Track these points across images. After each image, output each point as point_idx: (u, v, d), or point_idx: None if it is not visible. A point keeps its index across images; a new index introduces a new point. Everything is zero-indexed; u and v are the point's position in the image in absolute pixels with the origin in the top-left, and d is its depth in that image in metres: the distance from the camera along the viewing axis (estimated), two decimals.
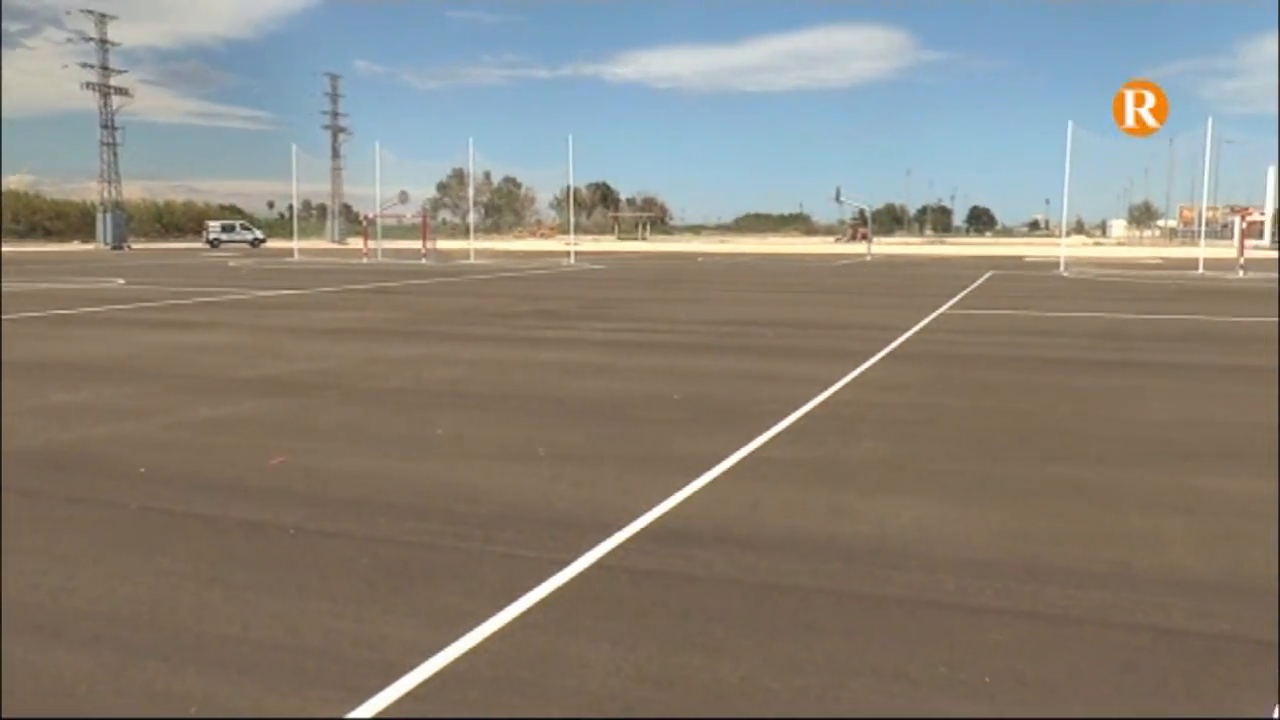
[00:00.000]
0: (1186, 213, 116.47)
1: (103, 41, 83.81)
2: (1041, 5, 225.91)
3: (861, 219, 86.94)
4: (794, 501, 6.29)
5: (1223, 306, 22.87)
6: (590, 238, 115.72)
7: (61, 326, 17.39)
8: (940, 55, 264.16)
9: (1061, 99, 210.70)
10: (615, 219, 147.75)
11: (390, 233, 63.33)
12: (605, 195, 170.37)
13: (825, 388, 10.49)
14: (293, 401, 9.88)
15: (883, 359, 13.10)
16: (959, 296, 25.33)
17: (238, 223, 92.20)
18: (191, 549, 5.33)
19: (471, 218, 73.22)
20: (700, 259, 57.90)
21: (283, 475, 6.91)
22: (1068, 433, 8.49)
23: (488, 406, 9.74)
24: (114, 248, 76.38)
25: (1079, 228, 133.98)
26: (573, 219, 63.92)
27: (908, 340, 15.43)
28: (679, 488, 6.46)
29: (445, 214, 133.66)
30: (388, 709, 3.55)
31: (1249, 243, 43.70)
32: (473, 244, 58.15)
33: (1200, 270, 39.18)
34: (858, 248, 76.79)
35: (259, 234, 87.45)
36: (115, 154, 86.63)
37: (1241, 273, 36.86)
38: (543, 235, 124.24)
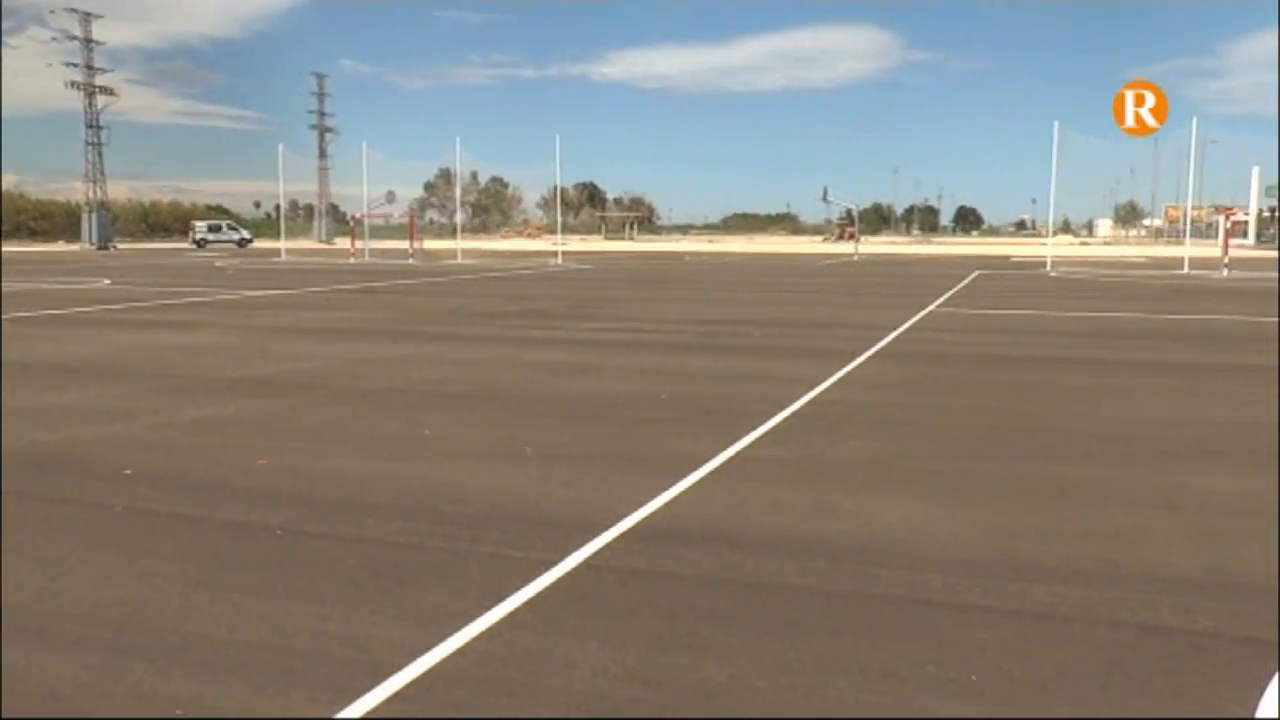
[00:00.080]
0: (1172, 212, 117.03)
1: (87, 40, 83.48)
2: (1028, 6, 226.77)
3: (849, 219, 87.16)
4: (781, 500, 6.30)
5: (1208, 305, 22.98)
6: (578, 237, 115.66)
7: (47, 327, 17.31)
8: (927, 55, 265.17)
9: (1048, 99, 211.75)
10: (602, 219, 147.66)
11: (377, 233, 63.18)
12: (593, 195, 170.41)
13: (812, 387, 10.51)
14: (280, 402, 9.85)
15: (870, 358, 13.12)
16: (946, 296, 25.40)
17: (224, 223, 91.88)
18: (178, 550, 5.32)
19: (459, 218, 72.99)
20: (688, 259, 57.92)
21: (270, 476, 6.89)
22: (1054, 431, 8.52)
23: (475, 406, 9.72)
24: (99, 248, 76.04)
25: (1065, 227, 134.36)
26: (560, 219, 63.84)
27: (895, 339, 15.46)
28: (666, 487, 6.46)
29: (432, 214, 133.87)
30: (375, 709, 3.55)
31: (1233, 242, 43.94)
32: (460, 244, 58.03)
33: (1186, 269, 39.37)
34: (845, 247, 76.91)
35: (246, 234, 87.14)
36: (100, 154, 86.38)
37: (1226, 271, 37.06)
38: (530, 235, 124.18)
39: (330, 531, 5.64)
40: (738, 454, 7.52)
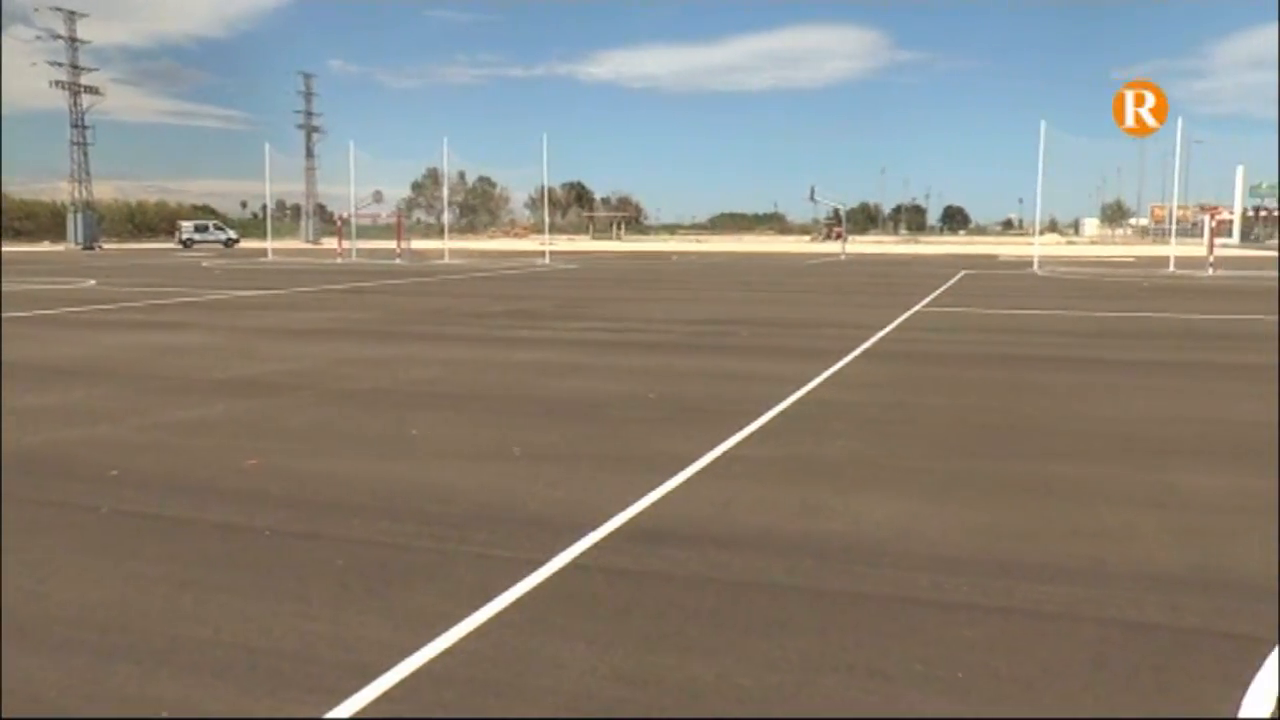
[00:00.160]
0: (1158, 211, 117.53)
1: (72, 39, 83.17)
2: (1014, 6, 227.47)
3: (836, 218, 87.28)
4: (768, 500, 6.31)
5: (1195, 304, 23.09)
6: (565, 237, 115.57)
7: (31, 327, 17.23)
8: (914, 55, 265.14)
9: (1035, 99, 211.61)
10: (590, 219, 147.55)
11: (365, 233, 63.09)
12: (580, 195, 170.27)
13: (799, 386, 10.53)
14: (267, 403, 9.83)
15: (857, 357, 13.15)
16: (933, 295, 25.45)
17: (211, 223, 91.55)
18: (164, 552, 5.30)
19: (446, 217, 72.89)
20: (675, 258, 57.94)
21: (257, 477, 6.87)
22: (1041, 429, 8.55)
23: (463, 407, 9.72)
24: (85, 248, 75.75)
25: (1052, 226, 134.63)
26: (547, 219, 63.80)
27: (882, 339, 15.50)
28: (654, 487, 6.47)
29: (420, 214, 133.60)
30: (363, 710, 3.54)
31: (1218, 241, 44.15)
32: (447, 244, 57.96)
33: (1171, 268, 39.54)
34: (832, 247, 77.04)
35: (233, 234, 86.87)
36: (86, 153, 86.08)
37: (1211, 270, 37.25)
38: (517, 235, 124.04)
39: (318, 532, 5.63)
40: (725, 453, 7.53)
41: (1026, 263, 45.09)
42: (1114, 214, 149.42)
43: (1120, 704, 3.60)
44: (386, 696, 3.64)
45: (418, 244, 64.62)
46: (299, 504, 6.20)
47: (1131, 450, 7.79)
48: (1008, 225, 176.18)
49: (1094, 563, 5.11)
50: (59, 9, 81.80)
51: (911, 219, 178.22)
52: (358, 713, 3.53)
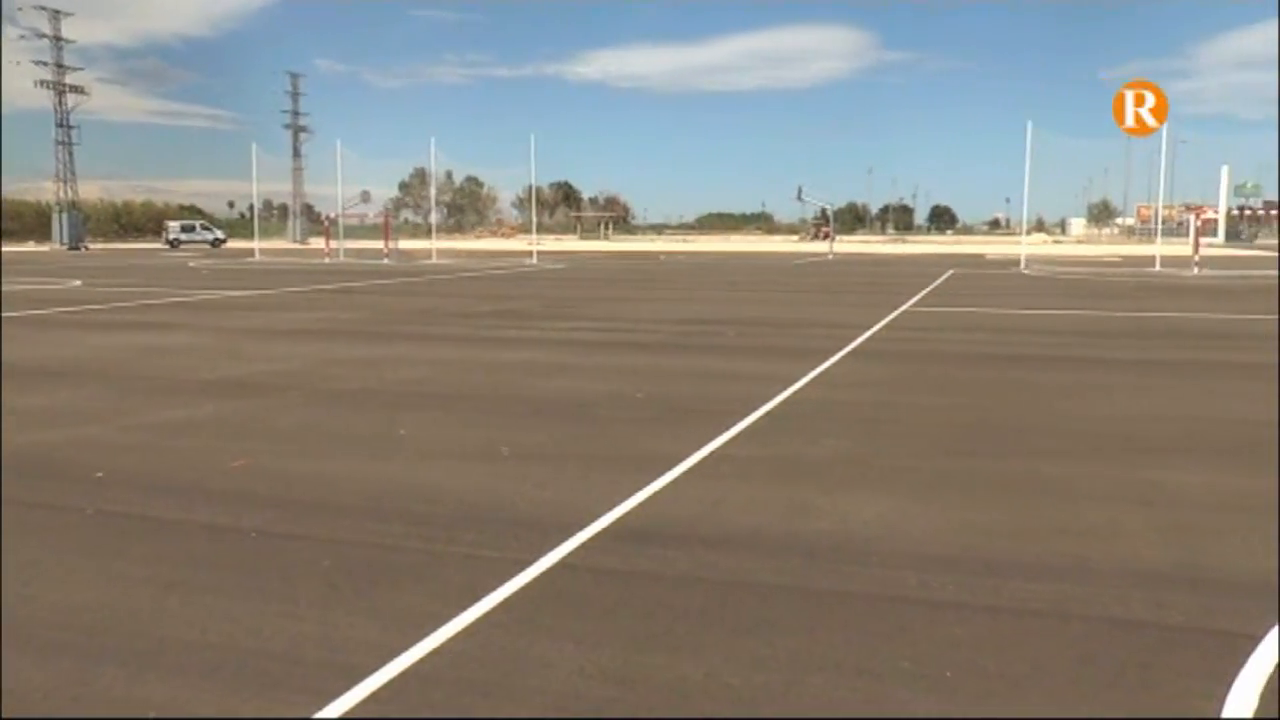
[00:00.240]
0: (1144, 211, 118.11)
1: (57, 38, 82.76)
2: (1001, 7, 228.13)
3: (824, 218, 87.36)
4: (756, 499, 6.31)
5: (1181, 303, 23.18)
6: (553, 237, 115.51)
7: (17, 328, 17.13)
8: (902, 55, 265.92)
9: (1022, 99, 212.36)
10: (578, 218, 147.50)
11: (352, 233, 62.93)
12: (568, 195, 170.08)
13: (787, 386, 10.54)
14: (254, 403, 9.80)
15: (844, 357, 13.17)
16: (920, 294, 25.51)
17: (198, 223, 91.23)
18: (151, 553, 5.28)
19: (434, 217, 72.88)
20: (663, 258, 57.95)
21: (244, 478, 6.85)
22: (1028, 428, 8.58)
23: (450, 407, 9.70)
24: (71, 248, 75.42)
25: (1039, 226, 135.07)
26: (535, 218, 63.81)
27: (870, 338, 15.53)
28: (642, 486, 6.47)
29: (407, 214, 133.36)
30: (351, 711, 3.54)
31: (1203, 240, 44.33)
32: (435, 244, 57.90)
33: (1157, 267, 39.71)
34: (820, 246, 77.14)
35: (219, 234, 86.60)
36: (71, 153, 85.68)
37: (1197, 269, 37.43)
38: (504, 235, 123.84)
39: (305, 533, 5.62)
40: (713, 453, 7.53)
41: (1014, 262, 45.24)
42: (1100, 214, 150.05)
43: (1107, 701, 3.61)
44: (374, 697, 3.64)
45: (405, 244, 64.47)
46: (286, 505, 6.19)
47: (1118, 448, 7.82)
48: (995, 225, 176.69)
49: (1080, 561, 5.13)
50: (44, 8, 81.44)
51: (899, 218, 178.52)
52: (345, 713, 3.52)
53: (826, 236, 75.21)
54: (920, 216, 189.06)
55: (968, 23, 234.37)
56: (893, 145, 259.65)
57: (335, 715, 3.51)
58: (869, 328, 16.85)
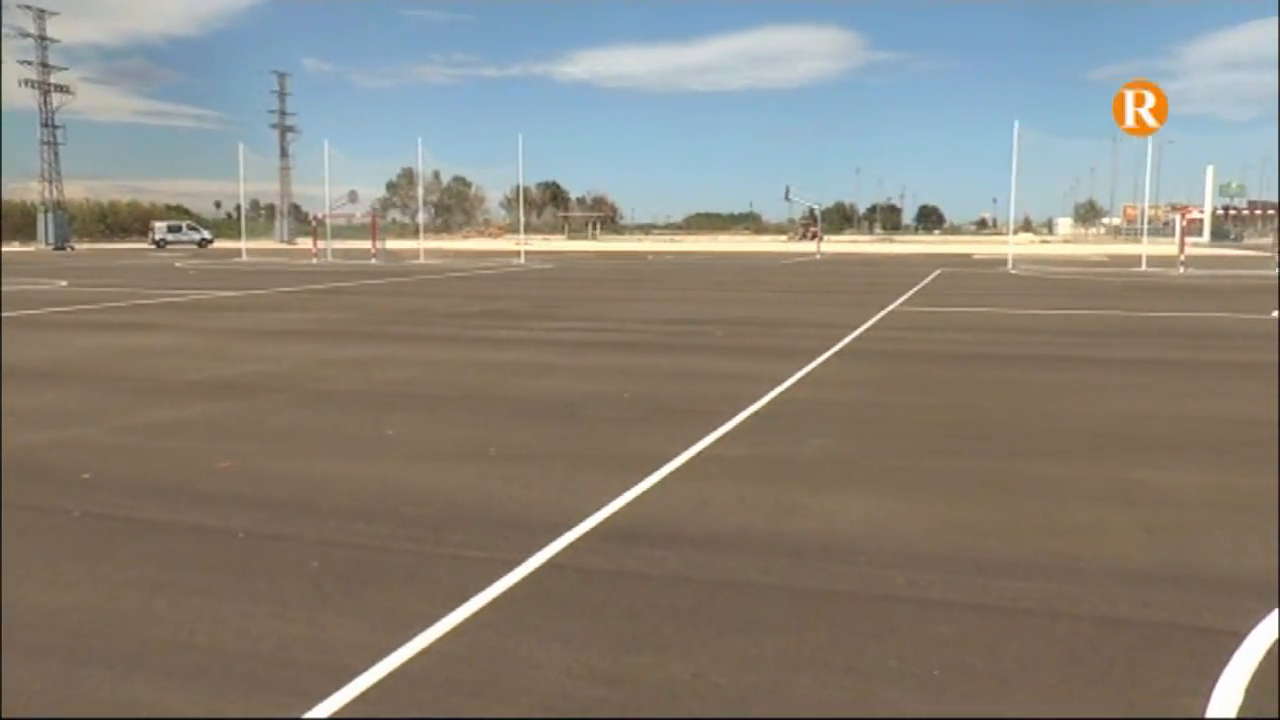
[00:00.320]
0: (1130, 211, 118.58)
1: (42, 38, 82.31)
2: (988, 7, 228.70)
3: (811, 218, 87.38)
4: (744, 499, 6.32)
5: (1167, 302, 23.28)
6: (540, 237, 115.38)
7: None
8: (889, 56, 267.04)
9: (1009, 99, 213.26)
10: (565, 218, 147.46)
11: (339, 233, 62.82)
12: (555, 195, 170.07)
13: (775, 385, 10.55)
14: (242, 404, 9.77)
15: (832, 356, 13.19)
16: (908, 294, 25.57)
17: (184, 223, 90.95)
18: (138, 555, 5.27)
19: (421, 217, 72.90)
20: (650, 258, 57.97)
21: (232, 479, 6.83)
22: (1015, 428, 8.60)
23: (438, 407, 9.69)
24: (56, 248, 75.10)
25: (1026, 225, 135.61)
26: (523, 218, 63.75)
27: (857, 338, 15.56)
28: (630, 486, 6.47)
29: (395, 214, 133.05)
30: (339, 711, 3.53)
31: (1189, 240, 44.56)
32: (422, 244, 57.81)
33: (1143, 267, 39.88)
34: (808, 246, 77.21)
35: (206, 234, 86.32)
36: (56, 153, 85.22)
37: (1182, 269, 37.60)
38: (491, 235, 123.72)
39: (293, 534, 5.61)
40: (701, 453, 7.54)
41: (1001, 262, 45.37)
42: (1087, 213, 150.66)
43: (1093, 698, 3.63)
44: (363, 698, 3.63)
45: (393, 244, 64.34)
46: (274, 506, 6.17)
47: (1104, 447, 7.85)
48: (982, 225, 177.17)
49: (1067, 559, 5.15)
50: (28, 6, 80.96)
51: (887, 218, 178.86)
52: (334, 714, 3.52)
53: (814, 236, 75.22)
54: (908, 216, 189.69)
55: (955, 23, 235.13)
56: (880, 145, 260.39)
57: (324, 716, 3.50)
58: (857, 327, 16.88)
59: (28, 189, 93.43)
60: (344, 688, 3.68)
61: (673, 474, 6.90)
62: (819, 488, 6.60)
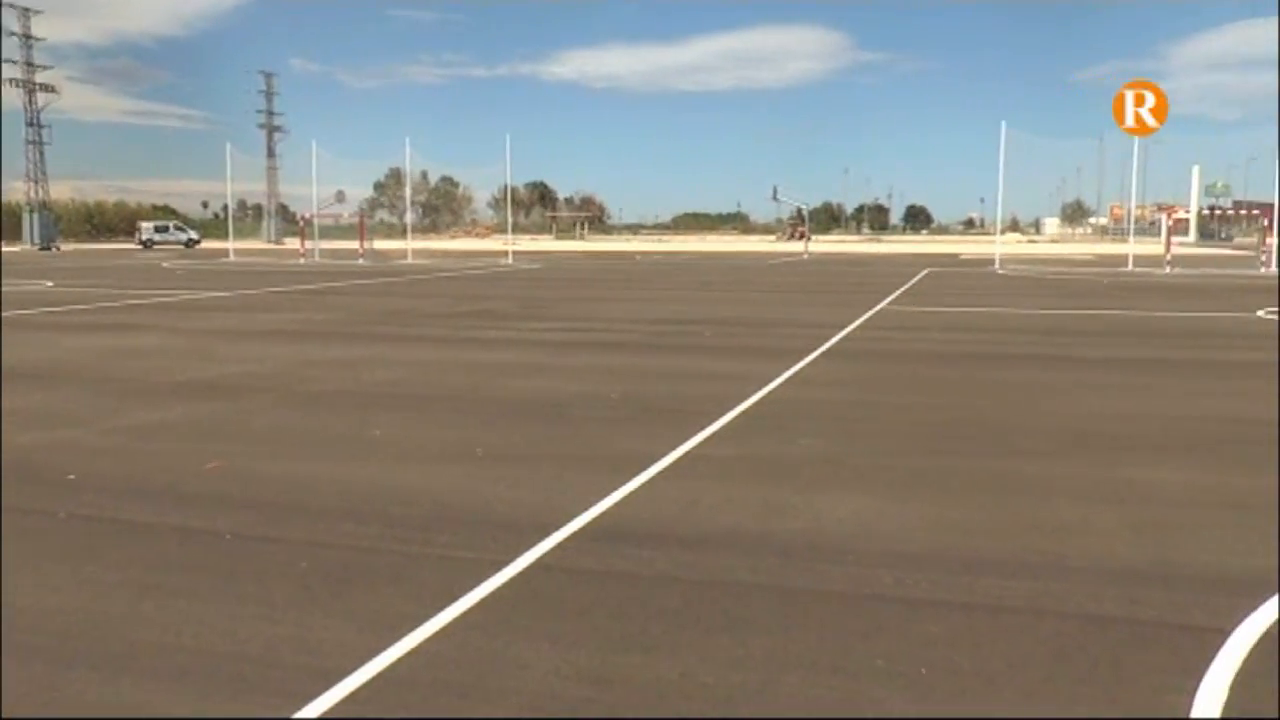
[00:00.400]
0: (1117, 211, 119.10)
1: (26, 36, 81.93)
2: (975, 8, 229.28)
3: (799, 218, 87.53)
4: (732, 499, 6.33)
5: (1152, 301, 23.36)
6: (528, 237, 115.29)
7: None
8: (876, 56, 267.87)
9: (996, 100, 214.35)
10: (553, 218, 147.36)
11: (327, 233, 62.62)
12: (543, 195, 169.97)
13: (763, 385, 10.56)
14: (229, 405, 9.74)
15: (820, 356, 13.21)
16: (896, 294, 25.62)
17: (171, 223, 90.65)
18: (123, 557, 5.24)
19: (409, 217, 72.58)
20: (638, 258, 57.97)
21: (219, 480, 6.81)
22: (1002, 427, 8.62)
23: (426, 408, 9.68)
24: (42, 249, 74.75)
25: (1013, 225, 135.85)
26: (511, 218, 63.66)
27: (845, 337, 15.58)
28: (618, 486, 6.47)
29: (382, 214, 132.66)
30: (327, 712, 3.52)
31: (1175, 239, 44.75)
32: (410, 244, 57.68)
33: (1130, 266, 40.01)
34: (795, 246, 77.29)
35: (193, 234, 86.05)
36: (41, 153, 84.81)
37: (1169, 269, 37.75)
38: (479, 235, 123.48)
39: (280, 535, 5.59)
40: (689, 453, 7.54)
41: (988, 261, 45.48)
42: (1074, 213, 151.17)
43: (1080, 696, 3.64)
44: (350, 699, 3.62)
45: (380, 244, 64.28)
46: (261, 507, 6.16)
47: (1091, 446, 7.88)
48: (970, 224, 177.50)
49: (1055, 557, 5.17)
50: (12, 5, 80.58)
51: (874, 218, 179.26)
52: (322, 715, 3.51)
53: (802, 236, 75.34)
54: (895, 216, 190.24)
55: (942, 23, 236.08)
56: (868, 145, 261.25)
57: (311, 717, 3.49)
58: (844, 327, 16.91)
59: (13, 189, 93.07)
60: (332, 689, 3.67)
61: (661, 474, 6.90)
62: (807, 487, 6.61)
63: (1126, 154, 44.59)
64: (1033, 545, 5.38)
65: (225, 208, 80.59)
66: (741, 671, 3.84)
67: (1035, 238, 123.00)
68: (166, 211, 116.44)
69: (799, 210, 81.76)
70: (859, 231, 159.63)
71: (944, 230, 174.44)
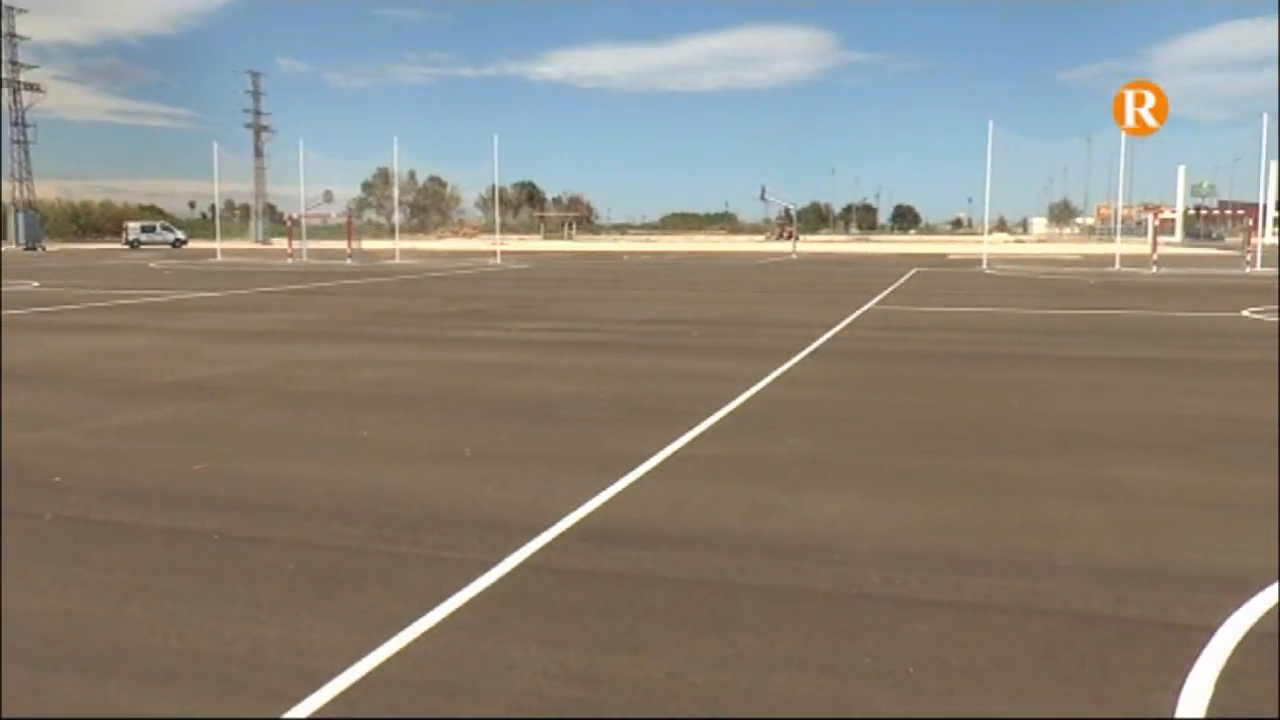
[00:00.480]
0: (1103, 210, 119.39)
1: (11, 35, 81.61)
2: (962, 8, 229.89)
3: (787, 217, 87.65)
4: (720, 498, 6.33)
5: (1140, 301, 23.45)
6: (516, 237, 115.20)
7: None
8: (864, 56, 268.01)
9: (983, 100, 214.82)
10: (541, 218, 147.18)
11: (315, 233, 62.47)
12: (531, 195, 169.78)
13: (750, 385, 10.57)
14: (217, 405, 9.71)
15: (807, 356, 13.23)
16: (883, 294, 25.67)
17: (158, 223, 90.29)
18: (110, 559, 5.23)
19: (397, 217, 72.51)
20: (626, 258, 57.96)
21: (206, 481, 6.79)
22: (990, 426, 8.65)
23: (414, 408, 9.67)
24: (27, 249, 74.42)
25: (1001, 225, 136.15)
26: (499, 218, 63.62)
27: (832, 337, 15.61)
28: (606, 486, 6.47)
29: (370, 214, 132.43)
30: (315, 713, 3.52)
31: (1161, 239, 44.92)
32: (398, 244, 57.60)
33: (1117, 266, 40.13)
34: (783, 246, 77.38)
35: (180, 234, 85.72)
36: (27, 152, 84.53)
37: (1155, 268, 37.90)
38: (467, 235, 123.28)
39: (268, 536, 5.58)
40: (677, 453, 7.55)
41: (976, 261, 45.57)
42: (1061, 213, 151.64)
43: (1067, 694, 3.66)
44: (338, 700, 3.62)
45: (368, 244, 64.16)
46: (249, 507, 6.14)
47: (1077, 445, 7.91)
48: (957, 224, 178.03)
49: (1042, 556, 5.18)
50: None
51: (862, 218, 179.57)
52: (310, 716, 3.50)
53: (790, 236, 75.43)
54: (884, 216, 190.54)
55: (929, 23, 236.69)
56: (856, 145, 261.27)
57: (299, 717, 3.49)
58: (832, 327, 16.94)
59: None
60: (319, 690, 3.66)
61: (649, 474, 6.91)
62: (795, 487, 6.61)
63: (1113, 154, 44.67)
64: (1020, 544, 5.40)
65: (212, 208, 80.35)
66: (729, 671, 3.85)
67: (1023, 238, 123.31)
68: (153, 211, 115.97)
69: (787, 210, 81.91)
70: (847, 231, 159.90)
71: (932, 230, 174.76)
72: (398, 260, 50.03)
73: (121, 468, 7.24)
